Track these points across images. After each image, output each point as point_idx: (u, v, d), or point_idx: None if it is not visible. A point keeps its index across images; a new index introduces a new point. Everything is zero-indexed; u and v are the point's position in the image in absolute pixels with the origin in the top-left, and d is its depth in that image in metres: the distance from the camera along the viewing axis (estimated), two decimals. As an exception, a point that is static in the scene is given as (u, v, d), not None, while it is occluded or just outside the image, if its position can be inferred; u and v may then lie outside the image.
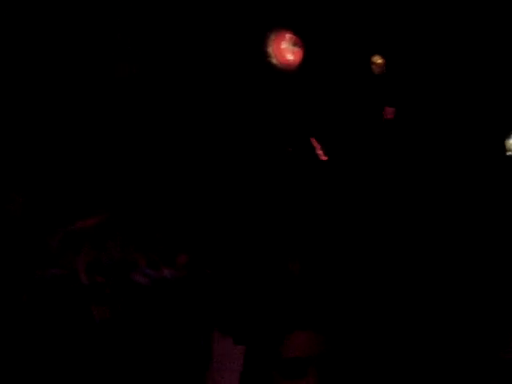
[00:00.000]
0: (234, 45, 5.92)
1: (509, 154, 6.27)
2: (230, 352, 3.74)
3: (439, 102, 6.43)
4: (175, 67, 6.00)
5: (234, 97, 6.12)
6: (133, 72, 5.85)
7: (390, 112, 6.52)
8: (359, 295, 5.36)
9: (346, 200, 6.39)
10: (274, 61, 6.06)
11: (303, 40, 6.14)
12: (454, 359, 4.60)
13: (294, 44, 6.15)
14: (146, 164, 5.86)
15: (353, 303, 5.18)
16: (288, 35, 6.07)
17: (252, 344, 3.80)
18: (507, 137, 6.28)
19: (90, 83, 5.69)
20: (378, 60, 6.44)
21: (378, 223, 6.23)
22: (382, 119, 6.54)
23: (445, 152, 6.32)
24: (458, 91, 6.38)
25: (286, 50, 6.11)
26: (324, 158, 6.52)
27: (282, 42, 6.09)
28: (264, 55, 6.02)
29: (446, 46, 6.30)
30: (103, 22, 5.70)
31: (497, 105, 6.27)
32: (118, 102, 5.78)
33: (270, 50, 6.03)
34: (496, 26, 6.20)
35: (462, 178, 6.26)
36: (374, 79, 6.49)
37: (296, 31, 6.08)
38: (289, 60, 6.12)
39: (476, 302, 5.23)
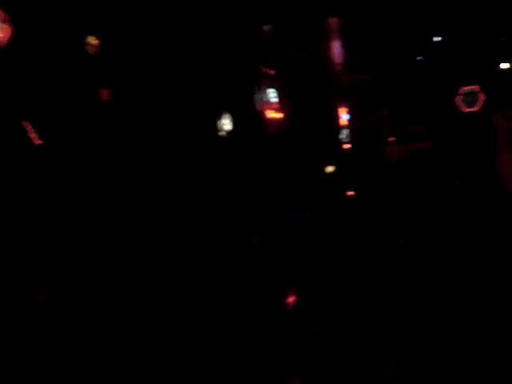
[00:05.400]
0: None
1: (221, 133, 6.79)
2: None
3: (155, 82, 6.60)
4: None
5: None
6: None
7: (105, 94, 6.47)
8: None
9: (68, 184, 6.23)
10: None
11: (13, 17, 5.68)
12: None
13: (3, 21, 5.67)
14: None
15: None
16: (-3, 11, 5.55)
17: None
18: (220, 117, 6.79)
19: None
20: (92, 41, 6.30)
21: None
22: (98, 101, 6.46)
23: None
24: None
25: (-6, 27, 5.60)
26: (38, 141, 6.22)
27: (-9, 19, 5.56)
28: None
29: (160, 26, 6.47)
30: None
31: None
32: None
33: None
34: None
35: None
36: (89, 60, 6.34)
37: (4, 7, 5.59)
38: (-3, 37, 5.63)
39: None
